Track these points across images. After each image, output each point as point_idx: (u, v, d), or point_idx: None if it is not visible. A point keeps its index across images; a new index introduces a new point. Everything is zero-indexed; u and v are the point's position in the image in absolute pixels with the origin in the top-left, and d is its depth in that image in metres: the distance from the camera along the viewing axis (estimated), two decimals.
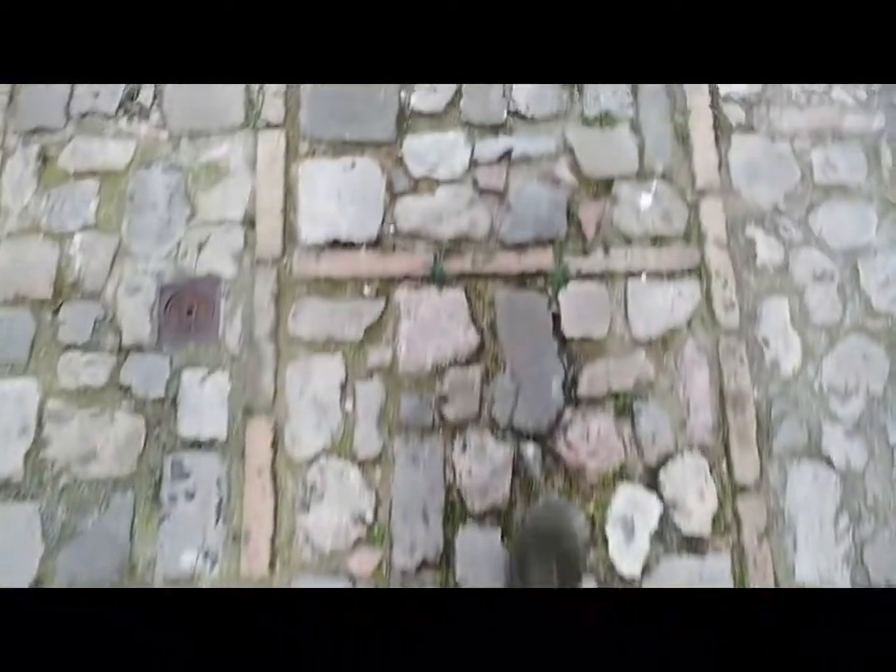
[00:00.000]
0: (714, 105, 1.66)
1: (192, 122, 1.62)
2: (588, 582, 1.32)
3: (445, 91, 1.64)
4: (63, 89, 1.64)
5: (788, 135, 1.64)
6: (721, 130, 1.64)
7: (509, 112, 1.63)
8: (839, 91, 1.67)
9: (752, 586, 1.34)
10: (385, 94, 1.63)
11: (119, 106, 1.63)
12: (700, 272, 1.54)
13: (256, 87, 1.64)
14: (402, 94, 1.64)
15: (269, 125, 1.62)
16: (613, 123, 1.63)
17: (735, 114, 1.65)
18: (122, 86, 1.64)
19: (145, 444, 1.43)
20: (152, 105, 1.63)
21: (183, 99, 1.63)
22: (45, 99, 1.63)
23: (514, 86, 1.65)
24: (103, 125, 1.62)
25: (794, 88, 1.67)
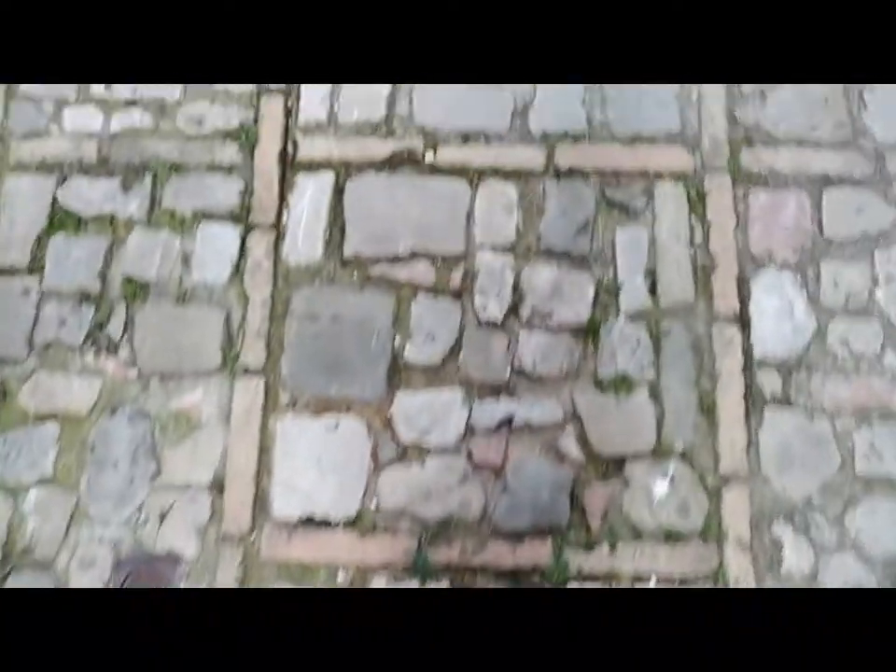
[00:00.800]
0: (747, 368, 1.46)
1: (164, 361, 1.47)
2: None
3: (443, 341, 1.47)
4: (27, 314, 1.49)
5: (829, 412, 1.44)
6: (754, 401, 1.45)
7: (512, 369, 1.46)
8: (892, 358, 1.46)
9: None
10: (377, 342, 1.46)
11: (87, 337, 1.49)
12: (717, 578, 1.36)
13: (236, 325, 1.48)
14: (396, 343, 1.46)
15: (247, 370, 1.46)
16: (630, 388, 1.44)
17: (770, 382, 1.46)
18: (90, 316, 1.49)
19: None
20: (122, 337, 1.49)
21: (155, 333, 1.49)
22: (8, 326, 1.49)
23: (521, 340, 1.46)
24: (67, 359, 1.48)
25: (841, 352, 1.47)
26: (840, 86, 1.62)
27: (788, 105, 1.61)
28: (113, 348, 1.49)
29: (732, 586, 1.36)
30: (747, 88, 1.62)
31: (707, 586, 1.36)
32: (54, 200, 1.56)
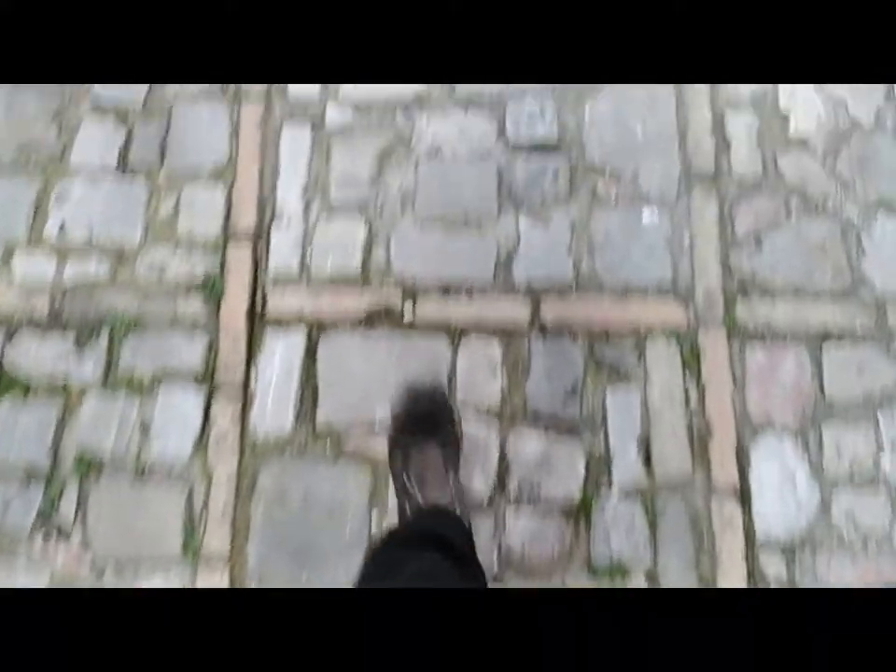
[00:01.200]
0: (749, 548, 1.37)
1: (120, 548, 1.35)
2: None
3: None
4: None
5: None
6: (756, 586, 1.35)
7: (500, 554, 1.35)
8: None
9: None
10: (351, 526, 1.35)
11: (35, 521, 1.35)
12: None
13: (198, 504, 1.36)
14: (373, 526, 1.35)
15: (210, 559, 1.33)
16: (625, 574, 1.34)
17: (773, 563, 1.37)
18: (39, 496, 1.36)
19: None
20: (75, 520, 1.36)
21: (110, 516, 1.36)
22: None
23: (509, 522, 1.36)
24: (13, 544, 1.35)
25: (847, 528, 1.38)
26: (838, 230, 1.55)
27: (784, 252, 1.54)
28: (64, 534, 1.36)
29: None
30: (741, 232, 1.54)
31: None
32: (1, 360, 1.44)
